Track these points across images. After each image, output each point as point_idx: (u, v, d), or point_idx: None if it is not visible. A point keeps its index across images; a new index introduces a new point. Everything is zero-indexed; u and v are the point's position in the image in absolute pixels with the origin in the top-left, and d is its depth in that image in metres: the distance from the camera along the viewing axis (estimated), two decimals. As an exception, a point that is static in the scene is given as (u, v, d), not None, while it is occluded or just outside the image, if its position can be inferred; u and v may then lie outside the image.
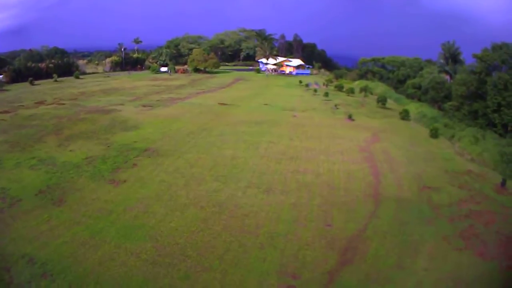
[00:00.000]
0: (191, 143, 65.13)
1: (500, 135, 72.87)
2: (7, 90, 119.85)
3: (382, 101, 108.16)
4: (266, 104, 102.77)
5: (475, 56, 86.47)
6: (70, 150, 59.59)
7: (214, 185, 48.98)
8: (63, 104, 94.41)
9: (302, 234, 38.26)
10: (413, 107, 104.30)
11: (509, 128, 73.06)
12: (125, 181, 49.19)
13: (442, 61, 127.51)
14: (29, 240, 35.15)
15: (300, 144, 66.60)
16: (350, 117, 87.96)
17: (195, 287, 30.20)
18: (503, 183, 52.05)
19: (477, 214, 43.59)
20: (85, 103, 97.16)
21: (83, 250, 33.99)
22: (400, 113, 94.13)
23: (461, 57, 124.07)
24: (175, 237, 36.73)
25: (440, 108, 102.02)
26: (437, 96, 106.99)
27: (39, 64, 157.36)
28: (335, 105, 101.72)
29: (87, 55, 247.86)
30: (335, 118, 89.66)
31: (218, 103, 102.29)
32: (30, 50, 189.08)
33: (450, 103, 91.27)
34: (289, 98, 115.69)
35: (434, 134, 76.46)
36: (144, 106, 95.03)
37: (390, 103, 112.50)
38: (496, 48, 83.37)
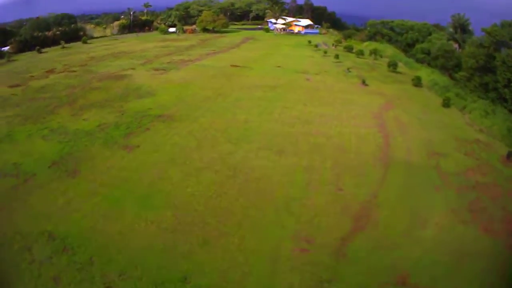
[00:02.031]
0: (205, 108, 65.33)
1: (510, 111, 72.45)
2: (15, 60, 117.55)
3: (393, 65, 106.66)
4: (278, 67, 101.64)
5: (484, 30, 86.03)
6: (84, 119, 59.62)
7: (227, 147, 49.81)
8: (74, 71, 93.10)
9: (316, 199, 39.12)
10: (425, 73, 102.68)
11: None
12: (138, 146, 49.98)
13: (451, 29, 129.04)
14: (47, 216, 35.40)
15: (314, 109, 66.46)
16: (364, 82, 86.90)
17: (213, 251, 31.27)
18: (509, 155, 52.10)
19: (483, 186, 43.66)
20: (96, 68, 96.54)
21: (102, 222, 34.66)
22: (413, 79, 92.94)
23: (470, 27, 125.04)
24: (193, 204, 37.57)
25: (451, 77, 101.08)
26: (447, 64, 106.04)
27: (46, 33, 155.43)
28: (348, 69, 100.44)
29: (95, 17, 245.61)
30: (349, 82, 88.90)
31: (230, 65, 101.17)
32: (37, 18, 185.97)
33: (461, 73, 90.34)
34: (301, 60, 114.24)
35: (447, 103, 76.11)
36: (156, 70, 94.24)
37: (400, 66, 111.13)
38: (505, 25, 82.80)
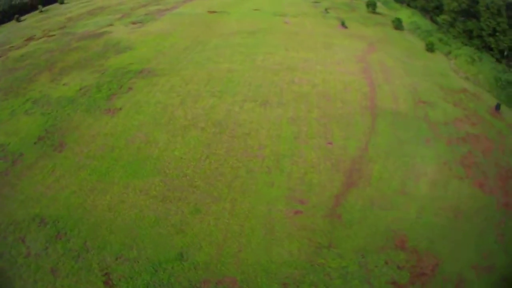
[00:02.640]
0: (186, 59, 63.18)
1: (497, 60, 70.36)
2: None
3: (372, 5, 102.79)
4: (256, 10, 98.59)
5: None
6: (64, 84, 57.69)
7: (210, 101, 48.43)
8: (53, 35, 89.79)
9: (306, 154, 38.48)
10: (405, 15, 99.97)
11: (505, 54, 70.37)
12: (121, 108, 48.51)
13: None
14: (37, 198, 34.90)
15: (296, 54, 64.34)
16: (343, 24, 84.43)
17: (205, 220, 30.90)
18: (498, 107, 51.62)
19: (474, 138, 43.45)
20: (74, 29, 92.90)
21: (91, 197, 34.18)
22: (393, 21, 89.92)
23: None
24: (182, 168, 36.91)
25: (432, 20, 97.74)
26: (427, 6, 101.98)
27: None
28: (325, 9, 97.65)
29: None
30: (328, 24, 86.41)
31: (208, 11, 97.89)
32: None
33: (443, 16, 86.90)
34: (278, 1, 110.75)
35: (430, 48, 74.34)
36: (133, 23, 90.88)
37: (379, 7, 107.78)
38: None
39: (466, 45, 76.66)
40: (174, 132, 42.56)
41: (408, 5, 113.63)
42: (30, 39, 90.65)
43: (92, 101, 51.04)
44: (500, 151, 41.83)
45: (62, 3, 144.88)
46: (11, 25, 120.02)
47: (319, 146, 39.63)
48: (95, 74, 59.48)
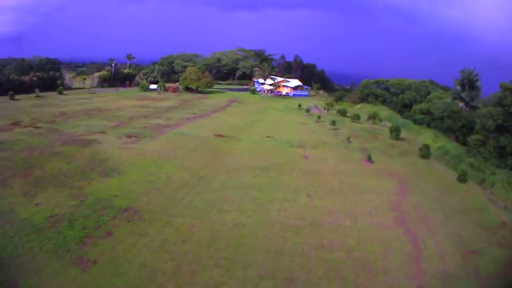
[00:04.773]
0: (184, 201, 52.27)
1: None
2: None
3: (396, 131, 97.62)
4: (269, 137, 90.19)
5: (502, 85, 78.93)
6: (36, 204, 47.89)
7: (214, 274, 36.37)
8: (39, 128, 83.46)
9: None
10: (429, 138, 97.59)
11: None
12: (95, 261, 36.99)
13: (458, 87, 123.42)
14: None
15: (320, 203, 54.62)
16: (369, 158, 76.42)
17: None
18: None
19: None
20: (63, 127, 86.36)
21: None
22: (420, 149, 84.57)
23: (478, 83, 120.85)
24: None
25: (457, 139, 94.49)
26: (454, 126, 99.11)
27: (22, 77, 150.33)
28: (347, 138, 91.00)
29: (81, 66, 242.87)
30: (352, 159, 77.86)
31: (214, 135, 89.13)
32: (22, 60, 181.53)
33: (474, 137, 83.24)
34: (293, 128, 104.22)
35: (463, 179, 68.20)
36: (128, 136, 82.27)
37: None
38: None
39: (498, 166, 71.84)
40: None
41: (428, 125, 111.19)
42: (16, 124, 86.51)
43: (62, 239, 40.30)
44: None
45: (61, 93, 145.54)
46: (3, 102, 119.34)
47: None
48: (72, 200, 49.36)
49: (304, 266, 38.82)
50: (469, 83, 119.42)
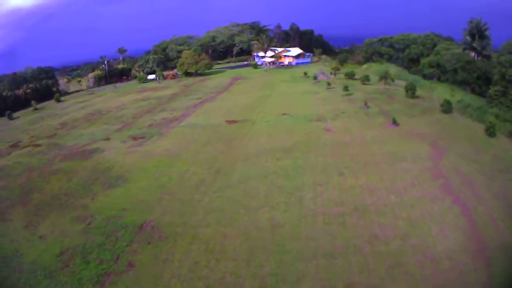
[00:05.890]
0: (203, 203, 45.63)
1: None
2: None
3: (411, 89, 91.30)
4: (284, 114, 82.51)
5: None
6: (40, 237, 42.30)
7: None
8: (39, 146, 78.09)
9: None
10: (444, 92, 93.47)
11: None
12: None
13: (468, 38, 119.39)
14: None
15: (356, 181, 47.89)
16: (394, 122, 69.82)
17: None
18: None
19: None
20: (64, 140, 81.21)
21: None
22: (442, 105, 78.29)
23: (487, 32, 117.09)
24: None
25: (473, 91, 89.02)
26: (469, 78, 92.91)
27: (16, 92, 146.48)
28: (365, 104, 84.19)
29: (76, 68, 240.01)
30: (376, 124, 71.05)
31: (226, 121, 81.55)
32: (14, 73, 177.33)
33: (495, 88, 77.64)
34: (305, 99, 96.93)
35: (492, 132, 63.55)
36: (134, 138, 76.20)
37: None
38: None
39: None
40: None
41: (439, 79, 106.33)
42: (15, 145, 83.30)
43: (77, 282, 34.20)
44: None
45: (58, 100, 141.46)
46: (2, 123, 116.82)
47: None
48: (78, 225, 43.59)
49: (362, 267, 33.06)
50: (479, 33, 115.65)
